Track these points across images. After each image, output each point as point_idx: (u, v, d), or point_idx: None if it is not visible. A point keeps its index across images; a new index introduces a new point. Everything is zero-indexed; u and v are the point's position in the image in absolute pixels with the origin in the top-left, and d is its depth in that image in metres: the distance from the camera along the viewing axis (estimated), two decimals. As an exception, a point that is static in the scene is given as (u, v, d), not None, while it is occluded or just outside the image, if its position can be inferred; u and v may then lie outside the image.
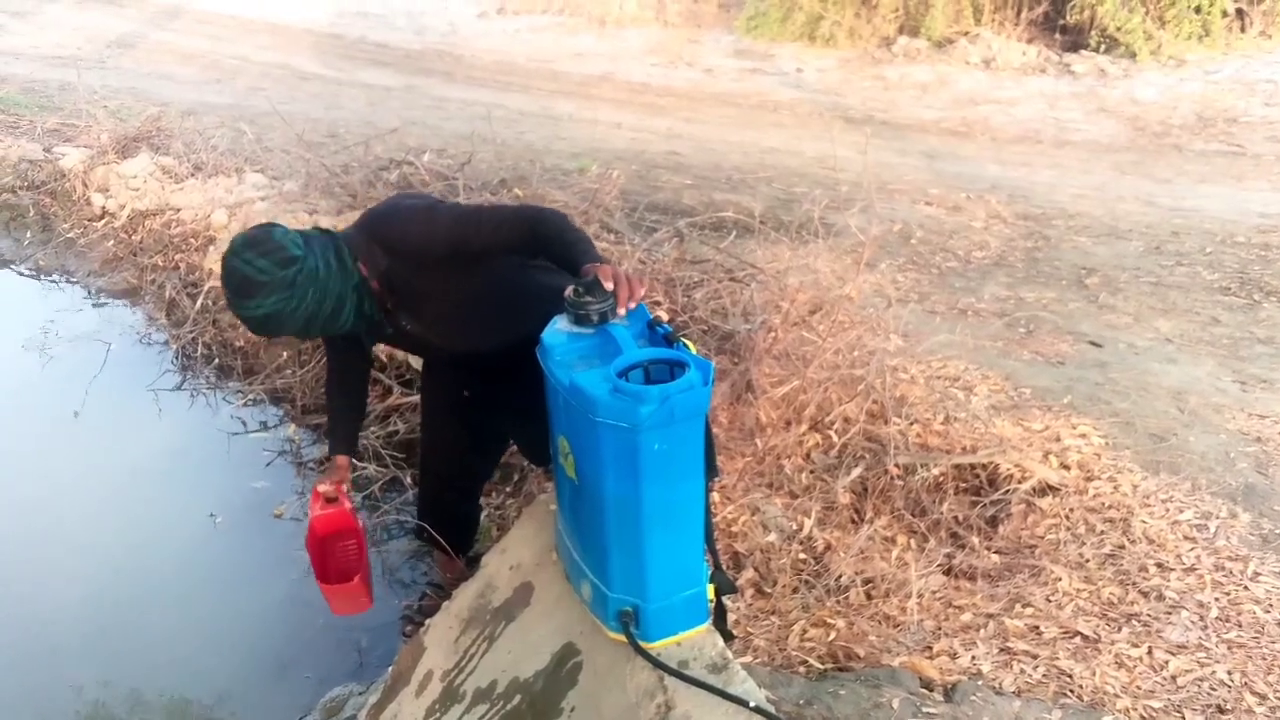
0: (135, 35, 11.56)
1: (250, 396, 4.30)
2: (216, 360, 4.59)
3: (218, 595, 3.19)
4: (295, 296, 2.00)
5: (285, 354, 4.41)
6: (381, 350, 4.11)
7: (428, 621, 2.49)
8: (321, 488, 2.54)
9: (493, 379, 2.48)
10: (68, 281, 5.60)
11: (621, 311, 1.84)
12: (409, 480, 3.52)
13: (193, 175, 6.06)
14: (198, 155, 6.28)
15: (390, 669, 2.51)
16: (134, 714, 2.76)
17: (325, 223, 4.86)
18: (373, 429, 3.76)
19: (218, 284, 4.86)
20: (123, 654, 2.94)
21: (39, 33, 11.50)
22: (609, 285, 1.83)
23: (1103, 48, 9.63)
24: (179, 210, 5.70)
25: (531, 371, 1.90)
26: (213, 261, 5.05)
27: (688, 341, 1.79)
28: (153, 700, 2.80)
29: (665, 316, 3.53)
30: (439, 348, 2.44)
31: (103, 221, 5.98)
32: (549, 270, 2.21)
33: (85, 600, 3.16)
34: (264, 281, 1.97)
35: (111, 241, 5.79)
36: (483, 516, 3.28)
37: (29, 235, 6.10)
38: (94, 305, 5.30)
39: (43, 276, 5.68)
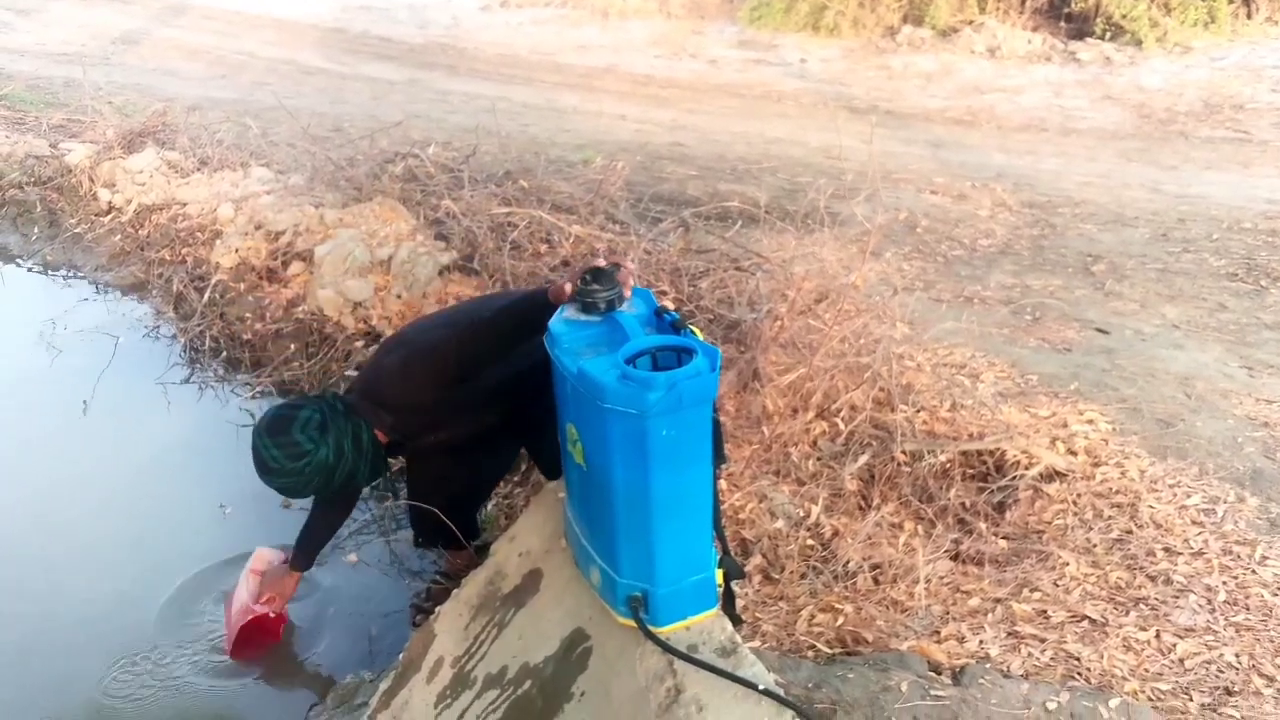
0: (140, 32, 11.58)
1: (258, 389, 4.32)
2: (224, 353, 4.61)
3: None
4: (303, 480, 2.31)
5: (293, 346, 4.42)
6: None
7: (438, 609, 2.51)
8: (260, 602, 2.84)
9: (509, 414, 2.59)
10: (75, 276, 5.62)
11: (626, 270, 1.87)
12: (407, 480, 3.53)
13: (199, 170, 6.08)
14: (203, 150, 6.30)
15: (401, 656, 2.52)
16: (144, 704, 2.78)
17: (330, 217, 4.89)
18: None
19: (225, 277, 4.92)
20: (132, 645, 2.96)
21: (44, 30, 11.52)
22: (604, 263, 1.86)
23: (1108, 35, 9.60)
24: (185, 205, 5.72)
25: (545, 388, 1.94)
26: (219, 255, 5.07)
27: (695, 328, 1.80)
28: (163, 690, 2.82)
29: (671, 306, 3.54)
30: (470, 434, 2.60)
31: (109, 216, 6.00)
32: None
33: (95, 591, 3.18)
34: (275, 468, 2.28)
35: (118, 236, 5.81)
36: (490, 506, 3.30)
37: (36, 231, 6.13)
38: (101, 300, 5.32)
39: (50, 272, 5.70)
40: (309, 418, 2.27)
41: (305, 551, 2.87)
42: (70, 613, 3.10)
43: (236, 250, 5.04)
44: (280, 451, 2.26)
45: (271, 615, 2.84)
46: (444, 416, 2.46)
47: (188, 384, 4.47)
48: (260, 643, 2.88)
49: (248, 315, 4.73)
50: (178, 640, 2.98)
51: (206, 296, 4.83)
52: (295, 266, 4.83)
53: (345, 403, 2.36)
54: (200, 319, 4.75)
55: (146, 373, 4.49)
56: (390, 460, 2.54)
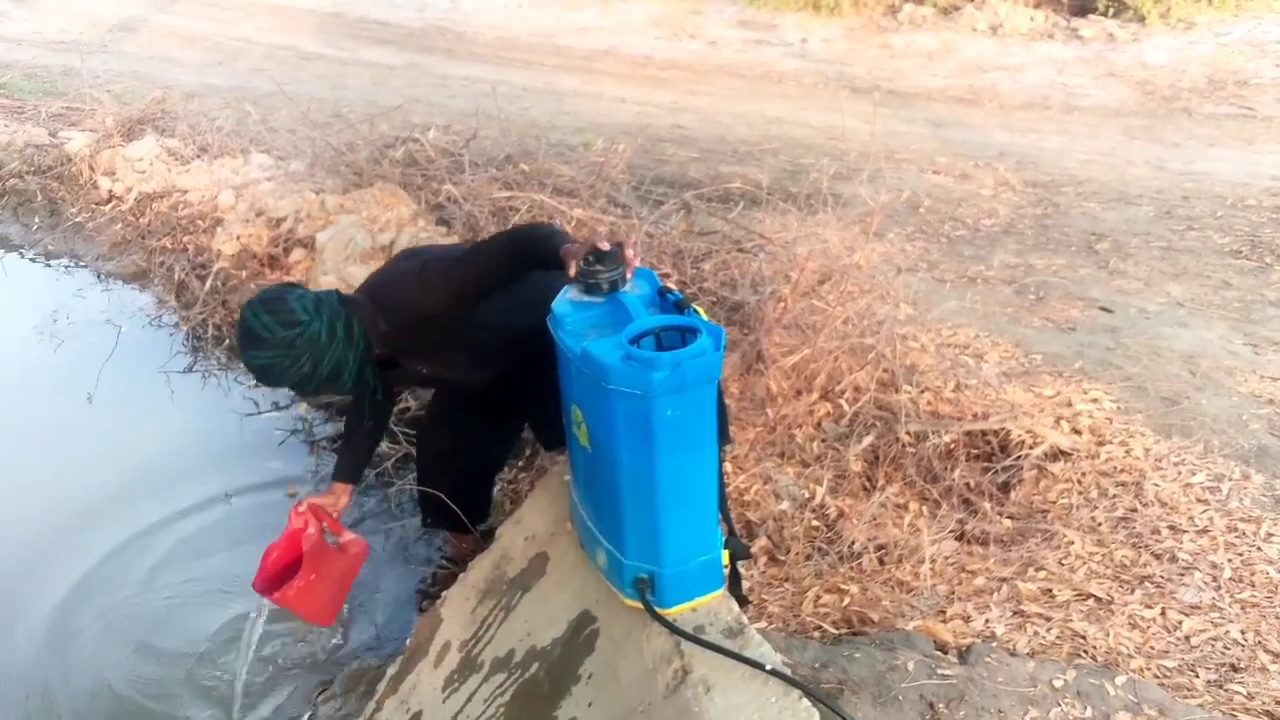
0: (137, 19, 11.52)
1: (262, 376, 4.31)
2: (227, 341, 4.60)
3: (234, 574, 3.21)
4: (290, 356, 2.13)
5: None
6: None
7: (444, 593, 2.51)
8: (301, 508, 2.53)
9: (509, 380, 2.51)
10: (77, 266, 5.61)
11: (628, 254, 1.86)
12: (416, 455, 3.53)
13: (199, 157, 6.06)
14: (203, 137, 6.28)
15: (408, 641, 2.54)
16: (151, 691, 2.79)
17: (331, 202, 4.87)
18: (384, 406, 3.77)
19: (226, 265, 4.91)
20: (138, 634, 2.97)
21: (41, 19, 11.46)
22: (605, 246, 1.84)
23: (1111, 11, 9.54)
24: (186, 192, 5.70)
25: (547, 358, 1.92)
26: (221, 242, 5.06)
27: (698, 308, 1.80)
28: (170, 678, 2.83)
29: (675, 288, 3.53)
30: (458, 381, 2.52)
31: (110, 205, 5.98)
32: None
33: (101, 580, 3.19)
34: (264, 338, 2.10)
35: (119, 225, 5.80)
36: (495, 491, 3.30)
37: (37, 220, 6.12)
38: (103, 289, 5.31)
39: (51, 261, 5.70)
40: (304, 294, 2.18)
41: (342, 461, 2.69)
42: (75, 601, 3.11)
43: (238, 237, 5.03)
44: (273, 318, 2.10)
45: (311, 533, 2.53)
46: (441, 341, 2.34)
47: (190, 373, 4.47)
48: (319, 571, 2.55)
49: (250, 302, 4.72)
50: (184, 628, 2.99)
51: (208, 284, 4.83)
52: (297, 253, 4.82)
53: (344, 298, 2.28)
54: (202, 307, 4.74)
55: (149, 362, 4.49)
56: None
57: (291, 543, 2.51)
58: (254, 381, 4.24)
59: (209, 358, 4.55)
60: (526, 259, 2.15)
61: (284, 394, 4.23)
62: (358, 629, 3.00)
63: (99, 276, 5.45)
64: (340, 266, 4.44)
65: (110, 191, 6.05)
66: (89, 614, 3.06)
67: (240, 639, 2.93)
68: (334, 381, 2.22)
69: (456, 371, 2.45)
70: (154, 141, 6.24)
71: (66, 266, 5.62)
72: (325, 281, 4.45)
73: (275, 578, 2.51)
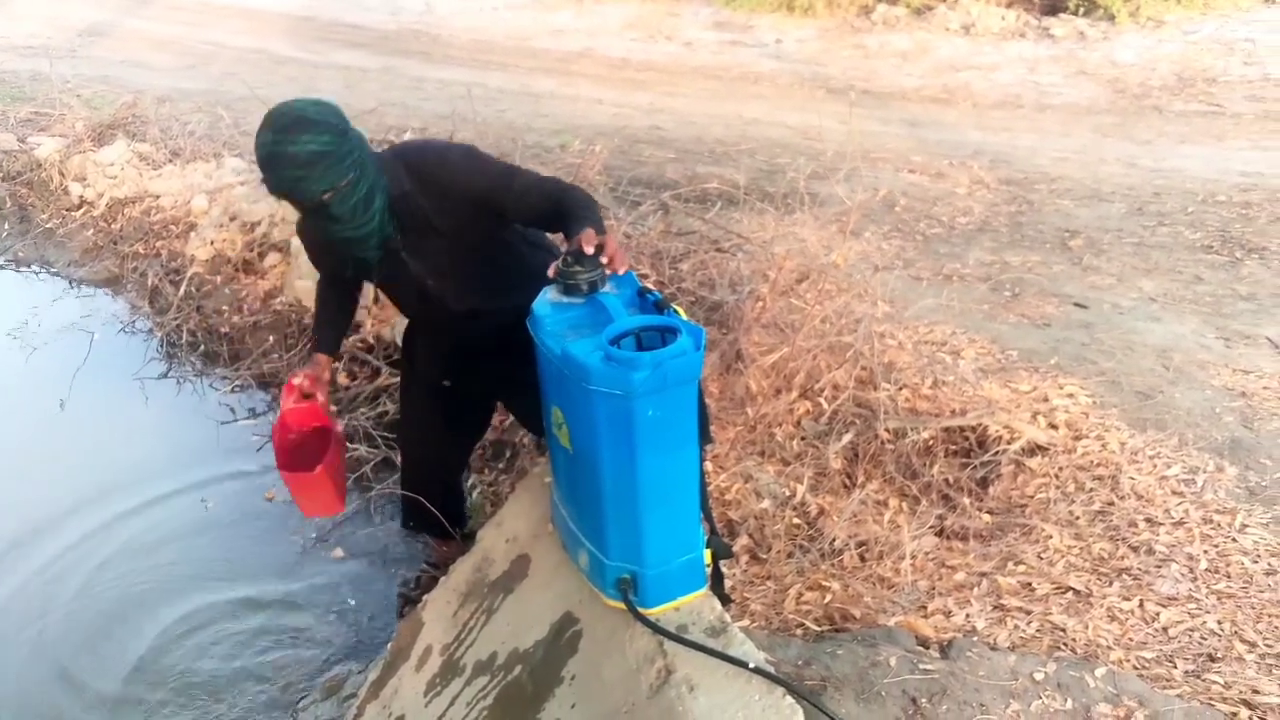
0: (107, 23, 11.40)
1: (237, 382, 4.28)
2: (202, 347, 4.57)
3: (212, 581, 3.19)
4: (345, 146, 1.97)
5: (272, 338, 4.39)
6: (369, 331, 4.10)
7: (425, 597, 2.50)
8: (296, 380, 2.36)
9: (476, 357, 2.46)
10: (48, 272, 5.55)
11: (605, 259, 1.84)
12: (399, 460, 3.51)
13: (171, 161, 6.01)
14: (175, 141, 6.22)
15: (389, 646, 2.52)
16: (131, 700, 2.76)
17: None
18: (362, 410, 3.76)
19: (200, 270, 4.87)
20: (117, 642, 2.94)
21: (8, 22, 11.32)
22: (589, 248, 1.83)
23: (1081, 10, 9.63)
24: (158, 197, 5.66)
25: (520, 344, 1.91)
26: (194, 248, 5.02)
27: (678, 308, 1.80)
28: (149, 686, 2.80)
29: (652, 287, 3.53)
30: (430, 296, 2.33)
31: (81, 211, 5.92)
32: (550, 251, 2.27)
33: (77, 589, 3.15)
34: (316, 120, 1.95)
35: (91, 231, 5.74)
36: (476, 493, 3.30)
37: (6, 227, 6.04)
38: (75, 295, 5.26)
39: (22, 268, 5.63)
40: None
41: (318, 334, 2.54)
42: (51, 611, 3.07)
43: (211, 242, 4.99)
44: (323, 108, 1.99)
45: (306, 398, 2.38)
46: (449, 242, 2.21)
47: (165, 379, 4.43)
48: (314, 452, 2.40)
49: (225, 308, 4.69)
50: (162, 633, 2.96)
51: (182, 290, 4.78)
52: (272, 258, 4.78)
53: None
54: (176, 313, 4.70)
55: (123, 368, 4.44)
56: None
57: (310, 415, 2.39)
58: (233, 387, 4.23)
59: (184, 364, 4.51)
60: (555, 214, 2.09)
61: (260, 399, 4.20)
62: (338, 633, 2.98)
63: (71, 283, 5.39)
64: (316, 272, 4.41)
65: (81, 197, 5.99)
66: (62, 622, 3.02)
67: (216, 644, 2.92)
68: (367, 209, 2.06)
69: (439, 285, 2.29)
70: (125, 146, 6.18)
71: (37, 273, 5.55)
72: (300, 286, 4.42)
73: (291, 456, 2.37)
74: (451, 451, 2.81)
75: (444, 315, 2.37)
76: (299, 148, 1.93)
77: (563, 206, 2.10)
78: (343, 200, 2.02)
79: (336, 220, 2.06)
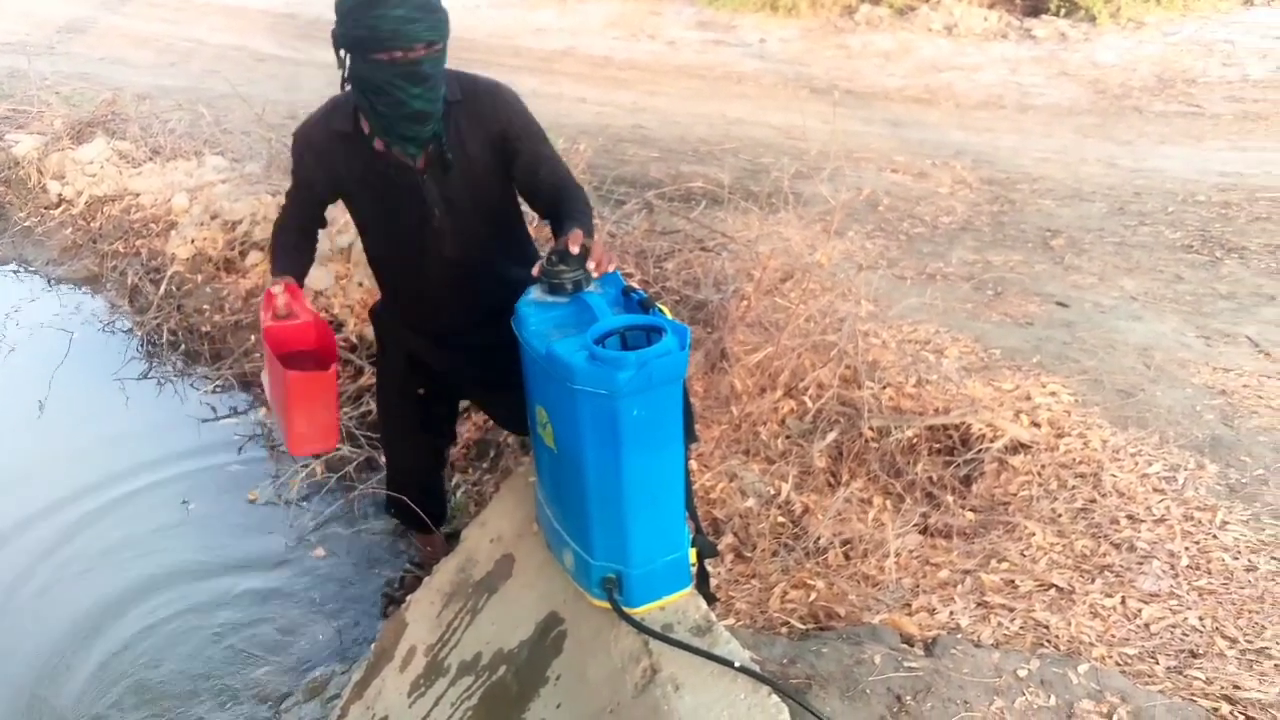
0: (86, 20, 11.29)
1: (218, 382, 4.25)
2: (183, 346, 4.53)
3: (194, 582, 3.16)
4: (445, 12, 2.02)
5: (254, 338, 4.35)
6: (352, 330, 4.08)
7: (409, 597, 2.49)
8: (276, 289, 2.15)
9: (455, 347, 2.44)
10: (26, 271, 5.49)
11: (591, 266, 1.85)
12: (383, 460, 3.49)
13: (151, 159, 5.95)
14: (155, 139, 6.16)
15: (373, 646, 2.51)
16: (114, 702, 2.74)
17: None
18: (346, 409, 3.73)
19: (181, 269, 4.83)
20: (97, 644, 2.91)
21: (-15, 19, 11.20)
22: (574, 249, 1.83)
23: (1063, 11, 9.69)
24: (138, 195, 5.60)
25: (502, 339, 1.91)
26: (175, 246, 4.97)
27: (663, 307, 1.80)
28: (133, 688, 2.78)
29: (637, 286, 3.53)
30: (429, 236, 2.24)
31: (60, 209, 5.86)
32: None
33: (60, 592, 3.12)
34: None
35: (70, 229, 5.68)
36: (460, 492, 3.28)
37: (-16, 225, 5.98)
38: (54, 294, 5.20)
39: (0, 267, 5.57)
40: None
41: (282, 262, 2.30)
42: (32, 611, 3.04)
43: (192, 241, 4.95)
44: None
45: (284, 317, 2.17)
46: (475, 171, 2.18)
47: (146, 379, 4.39)
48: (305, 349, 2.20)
49: (206, 307, 4.65)
50: (142, 636, 2.94)
51: (163, 289, 4.74)
52: (254, 256, 4.75)
53: None
54: (157, 312, 4.66)
55: (103, 368, 4.40)
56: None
57: (301, 334, 2.18)
58: (214, 387, 4.20)
59: (164, 363, 4.47)
60: (555, 198, 2.15)
61: (241, 399, 4.17)
62: (322, 635, 2.96)
63: (49, 282, 5.34)
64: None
65: (60, 195, 5.92)
66: (43, 623, 2.99)
67: (200, 645, 2.90)
68: (441, 86, 2.06)
69: (443, 222, 2.22)
70: (104, 144, 6.12)
71: (15, 272, 5.49)
72: (283, 285, 4.39)
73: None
74: (426, 454, 2.80)
75: (434, 267, 2.27)
76: None
77: (565, 195, 2.14)
78: (434, 62, 2.01)
79: (423, 80, 2.01)
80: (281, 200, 2.45)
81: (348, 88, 2.11)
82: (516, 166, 2.21)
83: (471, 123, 2.17)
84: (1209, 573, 2.35)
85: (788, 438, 3.01)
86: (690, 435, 1.84)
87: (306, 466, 3.52)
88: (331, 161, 2.22)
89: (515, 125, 2.20)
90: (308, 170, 2.28)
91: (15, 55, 8.53)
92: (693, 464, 2.81)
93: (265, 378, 2.31)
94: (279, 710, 2.70)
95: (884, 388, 3.11)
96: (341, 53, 2.05)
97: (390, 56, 1.97)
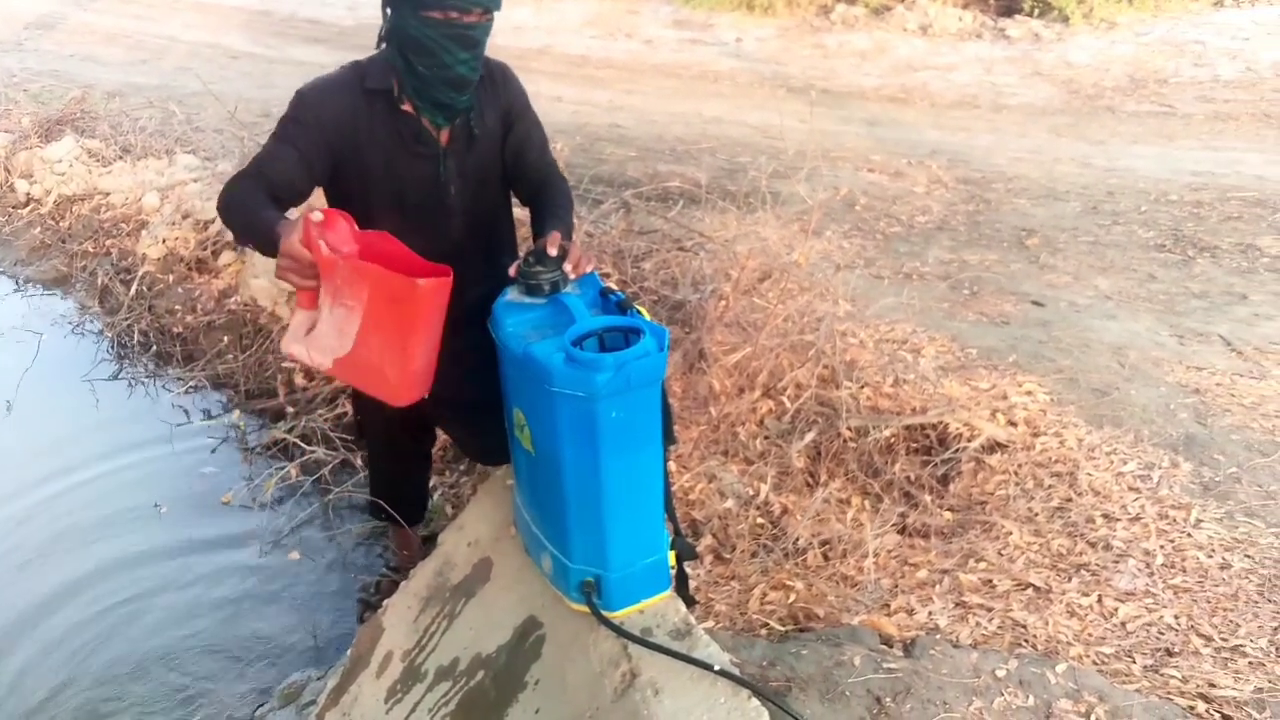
0: (55, 16, 11.14)
1: (191, 383, 4.20)
2: (154, 347, 4.47)
3: (167, 587, 3.12)
4: None
5: (226, 339, 4.30)
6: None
7: (386, 602, 2.46)
8: (315, 215, 1.78)
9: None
10: (-7, 272, 5.40)
11: (568, 268, 1.83)
12: (359, 462, 3.46)
13: (121, 158, 5.88)
14: (126, 137, 6.09)
15: (349, 652, 2.48)
16: (84, 706, 2.70)
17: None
18: (320, 411, 3.70)
19: (152, 269, 4.76)
20: (69, 652, 2.87)
21: (-50, 14, 11.03)
22: (553, 251, 1.81)
23: (1036, 12, 9.76)
24: (108, 195, 5.53)
25: (478, 368, 1.88)
26: (146, 246, 4.91)
27: (641, 309, 1.78)
28: (105, 695, 2.73)
29: (615, 288, 3.51)
30: (440, 214, 2.18)
31: (28, 208, 5.78)
32: None
33: (29, 596, 3.07)
34: None
35: (38, 229, 5.60)
36: (437, 495, 3.26)
37: (-50, 225, 5.87)
38: (22, 295, 5.12)
39: (-34, 268, 5.48)
40: None
41: (269, 210, 1.98)
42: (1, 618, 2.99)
43: (164, 240, 4.88)
44: None
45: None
46: (485, 154, 2.19)
47: (116, 380, 4.33)
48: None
49: (177, 308, 4.59)
50: (114, 641, 2.89)
51: (133, 289, 4.68)
52: (226, 256, 4.70)
53: None
54: (127, 313, 4.60)
55: (72, 370, 4.34)
56: None
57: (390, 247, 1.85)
58: (187, 389, 4.14)
59: (135, 365, 4.41)
60: (540, 187, 2.19)
61: (214, 400, 4.13)
62: (297, 640, 2.93)
63: (17, 283, 5.25)
64: (272, 269, 4.34)
65: (28, 194, 5.84)
66: (12, 629, 2.94)
67: (173, 651, 2.86)
68: (479, 60, 2.04)
69: (452, 203, 2.18)
70: (74, 142, 6.04)
71: (-18, 273, 5.41)
72: (256, 285, 4.35)
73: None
74: (410, 454, 2.78)
75: (440, 245, 2.03)
76: None
77: (549, 186, 2.19)
78: (484, 30, 2.01)
79: (472, 45, 2.00)
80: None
81: (382, 46, 2.08)
82: (508, 146, 2.22)
83: (488, 99, 2.18)
84: (1184, 571, 2.36)
85: (766, 438, 3.00)
86: (669, 437, 1.83)
87: (281, 469, 3.47)
88: (350, 121, 2.08)
89: (518, 104, 2.24)
90: (307, 130, 2.07)
91: (-18, 52, 8.41)
92: (671, 465, 2.80)
93: (327, 327, 1.81)
94: (253, 716, 2.67)
95: (862, 387, 3.11)
96: (388, 9, 2.02)
97: (445, 15, 1.94)
